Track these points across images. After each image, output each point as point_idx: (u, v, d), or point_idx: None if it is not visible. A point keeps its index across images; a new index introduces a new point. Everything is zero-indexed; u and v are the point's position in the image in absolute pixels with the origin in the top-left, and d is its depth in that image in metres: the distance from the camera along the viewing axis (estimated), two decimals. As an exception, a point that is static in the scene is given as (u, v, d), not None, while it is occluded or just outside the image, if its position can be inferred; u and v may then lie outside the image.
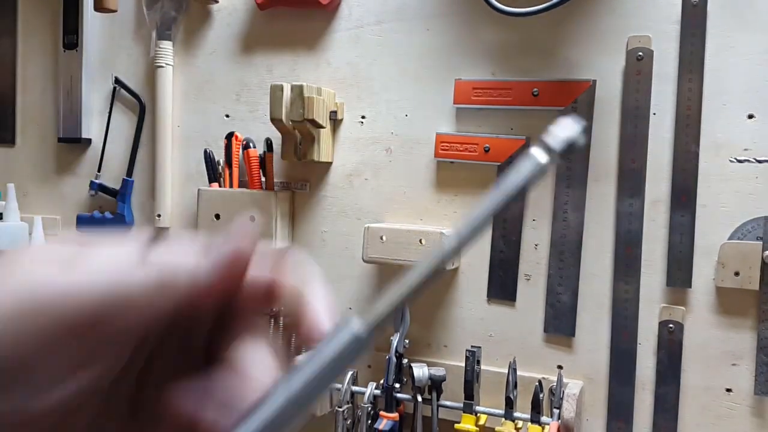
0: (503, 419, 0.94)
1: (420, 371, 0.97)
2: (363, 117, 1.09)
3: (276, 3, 1.11)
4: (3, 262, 0.24)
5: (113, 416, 0.26)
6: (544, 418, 0.92)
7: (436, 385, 0.97)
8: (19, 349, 0.23)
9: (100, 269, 0.24)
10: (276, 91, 1.02)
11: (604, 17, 0.96)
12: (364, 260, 1.00)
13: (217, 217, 1.10)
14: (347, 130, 1.10)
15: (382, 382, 0.98)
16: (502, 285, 1.02)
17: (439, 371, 0.97)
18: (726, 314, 0.91)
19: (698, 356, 0.93)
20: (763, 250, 0.88)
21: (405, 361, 1.00)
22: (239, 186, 1.13)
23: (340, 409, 0.99)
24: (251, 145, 1.10)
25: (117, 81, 1.24)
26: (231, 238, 0.26)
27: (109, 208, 1.25)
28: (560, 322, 0.98)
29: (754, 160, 0.89)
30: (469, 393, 0.95)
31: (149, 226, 1.23)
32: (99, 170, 1.26)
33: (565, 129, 0.26)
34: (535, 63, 0.99)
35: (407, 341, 1.00)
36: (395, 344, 0.97)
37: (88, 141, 1.27)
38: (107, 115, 1.25)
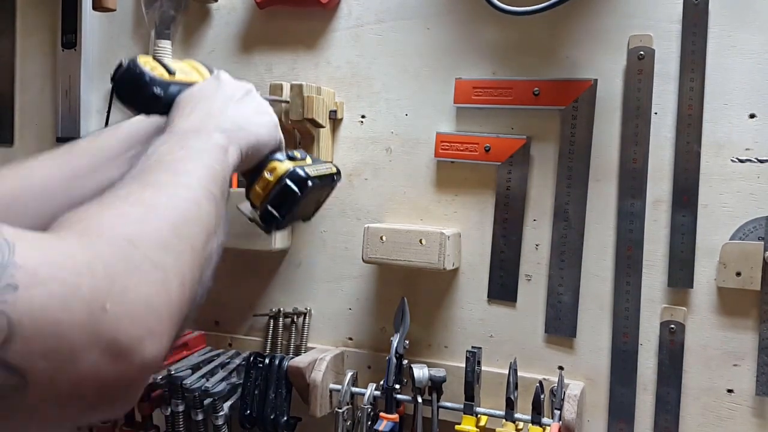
0: (504, 420, 0.94)
1: (420, 372, 0.96)
2: (363, 116, 1.09)
3: (275, 2, 1.11)
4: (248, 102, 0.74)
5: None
6: (544, 420, 0.92)
7: (436, 386, 0.96)
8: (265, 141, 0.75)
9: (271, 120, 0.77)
10: (275, 90, 1.01)
11: (605, 16, 0.95)
12: (364, 260, 0.99)
13: (217, 217, 1.09)
14: (347, 130, 1.09)
15: (382, 383, 0.98)
16: (503, 285, 1.01)
17: (439, 372, 0.97)
18: (727, 315, 0.91)
19: (699, 357, 0.92)
20: (765, 251, 0.87)
21: (405, 361, 0.99)
22: (238, 186, 1.12)
23: (340, 411, 0.99)
24: (250, 144, 1.10)
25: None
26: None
27: (108, 208, 1.24)
28: (561, 323, 0.98)
29: (755, 160, 0.89)
30: (470, 394, 0.94)
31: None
32: (98, 170, 1.25)
33: None
34: (536, 62, 0.98)
35: (407, 342, 0.99)
36: (395, 345, 0.97)
37: (87, 140, 1.26)
38: (106, 114, 1.24)
